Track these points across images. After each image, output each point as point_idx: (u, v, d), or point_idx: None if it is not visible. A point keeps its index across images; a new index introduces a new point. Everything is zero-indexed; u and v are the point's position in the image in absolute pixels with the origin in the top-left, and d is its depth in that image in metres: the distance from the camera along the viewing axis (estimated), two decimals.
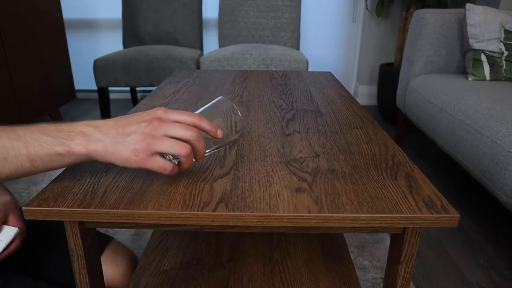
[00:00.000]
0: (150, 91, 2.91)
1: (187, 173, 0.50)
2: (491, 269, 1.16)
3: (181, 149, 0.43)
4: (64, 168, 0.51)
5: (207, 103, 0.52)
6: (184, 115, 0.45)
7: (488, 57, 1.60)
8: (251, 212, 0.41)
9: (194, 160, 0.47)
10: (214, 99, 0.53)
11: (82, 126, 0.44)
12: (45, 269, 0.68)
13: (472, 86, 1.49)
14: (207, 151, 0.49)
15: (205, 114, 0.49)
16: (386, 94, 2.37)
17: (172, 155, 0.45)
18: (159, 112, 0.45)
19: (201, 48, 2.61)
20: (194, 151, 0.45)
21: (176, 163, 0.46)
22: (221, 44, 2.55)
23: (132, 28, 2.55)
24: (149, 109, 0.46)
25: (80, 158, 0.44)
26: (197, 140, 0.44)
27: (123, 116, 0.46)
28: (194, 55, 2.25)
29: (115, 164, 0.44)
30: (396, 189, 0.46)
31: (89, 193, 0.44)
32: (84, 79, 2.81)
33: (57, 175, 0.49)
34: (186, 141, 0.44)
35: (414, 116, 1.76)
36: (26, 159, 0.43)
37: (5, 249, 0.57)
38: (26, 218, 0.42)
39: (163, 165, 0.44)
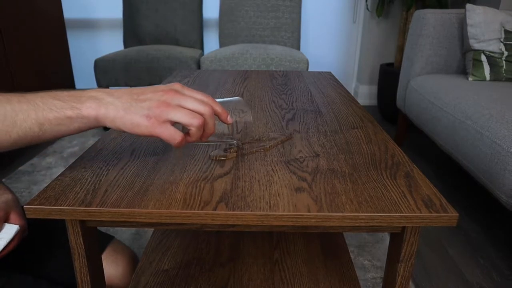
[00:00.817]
0: None
1: (187, 172, 0.50)
2: (491, 269, 1.16)
3: (194, 119, 0.43)
4: (65, 168, 0.51)
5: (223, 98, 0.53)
6: (200, 94, 0.46)
7: (488, 57, 1.60)
8: (251, 211, 0.41)
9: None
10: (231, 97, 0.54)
11: (94, 92, 0.44)
12: (46, 268, 0.68)
13: (472, 86, 1.49)
14: (209, 138, 0.50)
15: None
16: (386, 94, 2.37)
17: (184, 125, 0.45)
18: (176, 85, 0.46)
19: (201, 48, 2.62)
20: (204, 126, 0.46)
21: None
22: (221, 44, 2.56)
23: (133, 28, 2.56)
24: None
25: (88, 122, 0.43)
26: (210, 115, 0.45)
27: (139, 87, 0.46)
28: (195, 55, 2.25)
29: (123, 130, 0.44)
30: (396, 188, 0.46)
31: (90, 192, 0.45)
32: (84, 79, 2.81)
33: (58, 174, 0.49)
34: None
35: (414, 116, 1.76)
36: (35, 123, 0.42)
37: (5, 247, 0.58)
38: (28, 216, 0.42)
39: (173, 134, 0.44)
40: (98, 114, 0.43)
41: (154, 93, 0.44)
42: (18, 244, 0.61)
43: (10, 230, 0.59)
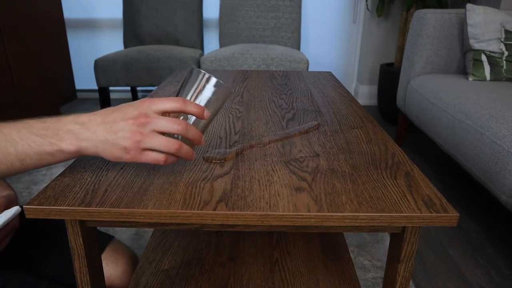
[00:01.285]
0: (150, 90, 2.92)
1: (187, 172, 0.50)
2: (491, 269, 1.16)
3: (169, 147, 0.44)
4: (65, 168, 0.51)
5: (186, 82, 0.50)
6: (169, 103, 0.45)
7: (488, 57, 1.60)
8: (251, 211, 0.41)
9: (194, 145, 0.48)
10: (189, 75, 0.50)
11: (70, 124, 0.44)
12: (46, 268, 0.68)
13: (472, 86, 1.49)
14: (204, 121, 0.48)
15: (191, 94, 0.48)
16: (386, 94, 2.37)
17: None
18: (145, 105, 0.44)
19: (201, 48, 2.62)
20: (189, 140, 0.46)
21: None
22: (221, 44, 2.55)
23: (133, 28, 2.56)
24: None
25: (70, 155, 0.45)
26: (186, 131, 0.45)
27: (110, 110, 0.45)
28: (195, 55, 2.25)
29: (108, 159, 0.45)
30: (396, 188, 0.46)
31: (90, 192, 0.45)
32: (85, 79, 2.81)
33: (58, 174, 0.49)
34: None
35: (414, 116, 1.76)
36: (15, 159, 0.43)
37: (5, 226, 0.57)
38: (27, 216, 0.42)
39: (156, 158, 0.45)
40: (80, 149, 0.44)
41: (125, 121, 0.43)
42: (14, 233, 0.61)
43: (9, 211, 0.58)
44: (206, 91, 0.48)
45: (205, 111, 0.46)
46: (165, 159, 0.45)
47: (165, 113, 0.45)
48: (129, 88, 2.79)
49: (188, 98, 0.48)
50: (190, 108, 0.45)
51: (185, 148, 0.45)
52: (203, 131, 0.50)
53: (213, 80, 0.48)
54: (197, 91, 0.48)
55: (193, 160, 0.48)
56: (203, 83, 0.48)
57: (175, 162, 0.47)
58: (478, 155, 1.20)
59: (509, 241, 1.29)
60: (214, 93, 0.48)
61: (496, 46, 1.59)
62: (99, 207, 0.42)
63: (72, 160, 0.51)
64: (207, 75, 0.48)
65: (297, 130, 0.65)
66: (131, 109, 0.44)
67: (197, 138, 0.46)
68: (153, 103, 0.45)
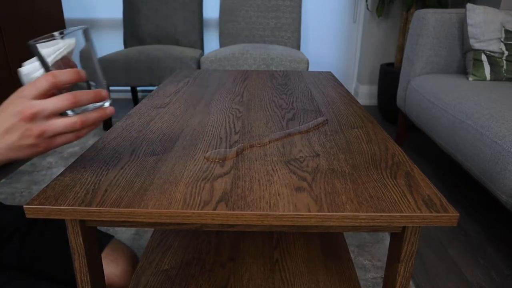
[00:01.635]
0: (150, 90, 2.92)
1: (187, 172, 0.50)
2: (491, 269, 1.16)
3: (72, 126, 0.43)
4: (65, 168, 0.51)
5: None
6: (40, 83, 0.42)
7: (488, 57, 1.60)
8: (251, 211, 0.41)
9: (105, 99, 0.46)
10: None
11: None
12: (46, 268, 0.68)
13: (473, 86, 1.49)
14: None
15: (59, 66, 0.45)
16: (386, 94, 2.37)
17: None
18: (22, 98, 0.42)
19: (201, 48, 2.62)
20: (91, 101, 0.44)
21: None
22: (221, 44, 2.55)
23: (133, 28, 2.56)
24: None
25: None
26: (77, 101, 0.42)
27: None
28: (195, 55, 2.25)
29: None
30: (396, 188, 0.46)
31: (90, 191, 0.45)
32: None
33: (58, 174, 0.49)
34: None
35: (414, 116, 1.76)
36: None
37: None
38: (27, 216, 0.42)
39: (67, 140, 0.45)
40: None
41: (13, 121, 0.42)
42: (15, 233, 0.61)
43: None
44: (64, 52, 0.44)
45: (80, 71, 0.43)
46: (75, 136, 0.45)
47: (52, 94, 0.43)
48: (129, 88, 2.79)
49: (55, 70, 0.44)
50: (63, 78, 0.42)
51: (91, 116, 0.44)
52: (98, 83, 0.47)
53: (56, 41, 0.44)
54: (56, 60, 0.44)
55: (113, 114, 0.46)
56: (57, 49, 0.44)
57: (95, 128, 0.46)
58: (478, 155, 1.20)
59: (509, 241, 1.29)
60: (69, 47, 0.45)
61: (496, 46, 1.59)
62: (99, 207, 0.42)
63: (72, 160, 0.51)
64: (44, 42, 0.44)
65: (297, 129, 0.65)
66: (12, 106, 0.42)
67: (96, 98, 0.44)
68: (28, 92, 0.42)
